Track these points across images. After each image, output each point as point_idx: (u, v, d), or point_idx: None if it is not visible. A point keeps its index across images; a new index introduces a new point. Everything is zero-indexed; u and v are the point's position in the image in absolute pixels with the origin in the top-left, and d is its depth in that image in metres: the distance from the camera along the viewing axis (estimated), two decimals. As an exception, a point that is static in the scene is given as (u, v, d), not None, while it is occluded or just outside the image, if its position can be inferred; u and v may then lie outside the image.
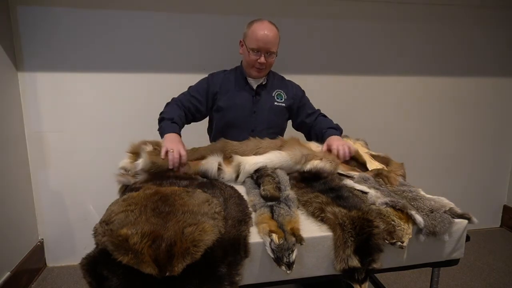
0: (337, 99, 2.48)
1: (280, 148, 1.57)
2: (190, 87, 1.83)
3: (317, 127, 1.83)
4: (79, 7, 2.05)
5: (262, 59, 1.68)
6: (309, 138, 1.90)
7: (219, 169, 1.47)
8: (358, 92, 2.50)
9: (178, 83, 2.00)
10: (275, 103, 1.81)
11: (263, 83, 1.81)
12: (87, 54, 2.11)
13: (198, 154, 1.56)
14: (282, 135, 1.87)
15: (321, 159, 1.49)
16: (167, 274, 0.90)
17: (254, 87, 1.80)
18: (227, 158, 1.52)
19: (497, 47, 2.62)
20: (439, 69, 2.58)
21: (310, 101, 1.95)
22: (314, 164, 1.47)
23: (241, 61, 1.84)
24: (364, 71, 2.47)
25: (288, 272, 1.00)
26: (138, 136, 1.61)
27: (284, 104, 1.83)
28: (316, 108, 1.94)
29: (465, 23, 2.53)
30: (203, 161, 1.48)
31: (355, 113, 2.52)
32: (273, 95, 1.82)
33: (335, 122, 1.87)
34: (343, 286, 1.64)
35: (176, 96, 1.81)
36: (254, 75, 1.76)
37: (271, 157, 1.49)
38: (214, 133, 1.87)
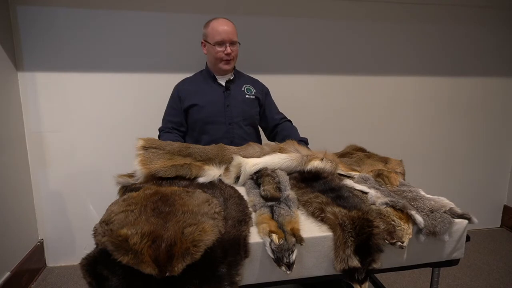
0: (335, 99, 2.48)
1: (279, 150, 1.57)
2: (167, 104, 1.93)
3: (286, 131, 1.94)
4: (79, 7, 2.05)
5: (228, 49, 1.78)
6: (272, 134, 2.01)
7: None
8: (358, 92, 2.50)
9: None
10: (246, 96, 1.90)
11: (231, 78, 1.90)
12: (87, 54, 2.11)
13: (192, 156, 1.51)
14: (256, 126, 1.98)
15: (321, 159, 1.49)
16: (167, 274, 0.90)
17: (223, 83, 1.88)
18: (227, 169, 1.50)
19: (497, 47, 2.62)
20: (440, 69, 2.58)
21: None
22: (314, 164, 1.47)
23: (206, 63, 1.93)
24: (364, 71, 2.47)
25: (288, 272, 1.00)
26: (138, 136, 1.60)
27: (254, 97, 1.92)
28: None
29: (465, 23, 2.53)
30: (203, 172, 1.44)
31: (355, 113, 2.52)
32: (243, 89, 1.91)
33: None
34: (343, 286, 1.64)
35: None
36: (223, 68, 1.84)
37: (272, 159, 1.49)
38: (190, 131, 1.91)
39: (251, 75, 2.04)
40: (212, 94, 1.86)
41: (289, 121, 2.03)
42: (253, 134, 1.94)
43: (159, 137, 1.89)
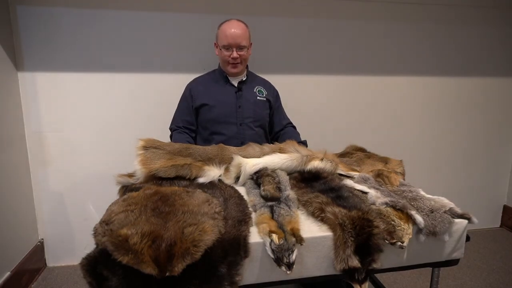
0: (335, 99, 2.48)
1: (279, 150, 1.57)
2: (179, 103, 1.92)
3: (287, 135, 1.95)
4: (79, 7, 2.05)
5: (234, 54, 1.77)
6: (274, 138, 2.01)
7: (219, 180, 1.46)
8: (358, 92, 2.50)
9: (178, 83, 2.00)
10: (258, 97, 1.90)
11: (243, 79, 1.89)
12: (87, 54, 2.11)
13: (192, 156, 1.50)
14: (266, 128, 1.97)
15: (321, 159, 1.49)
16: (167, 274, 0.90)
17: (236, 83, 1.88)
18: (227, 169, 1.49)
19: (497, 47, 2.62)
20: (439, 69, 2.58)
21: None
22: (314, 164, 1.47)
23: (218, 63, 1.93)
24: (365, 71, 2.47)
25: (288, 272, 1.00)
26: (138, 136, 1.60)
27: (265, 99, 1.92)
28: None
29: (466, 23, 2.53)
30: (203, 173, 1.43)
31: (355, 113, 2.52)
32: (254, 90, 1.91)
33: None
34: (343, 286, 1.64)
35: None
36: (231, 71, 1.84)
37: (272, 159, 1.49)
38: (201, 130, 1.90)
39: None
40: (224, 95, 1.85)
41: (294, 126, 2.04)
42: (263, 135, 1.94)
43: (171, 137, 1.88)
